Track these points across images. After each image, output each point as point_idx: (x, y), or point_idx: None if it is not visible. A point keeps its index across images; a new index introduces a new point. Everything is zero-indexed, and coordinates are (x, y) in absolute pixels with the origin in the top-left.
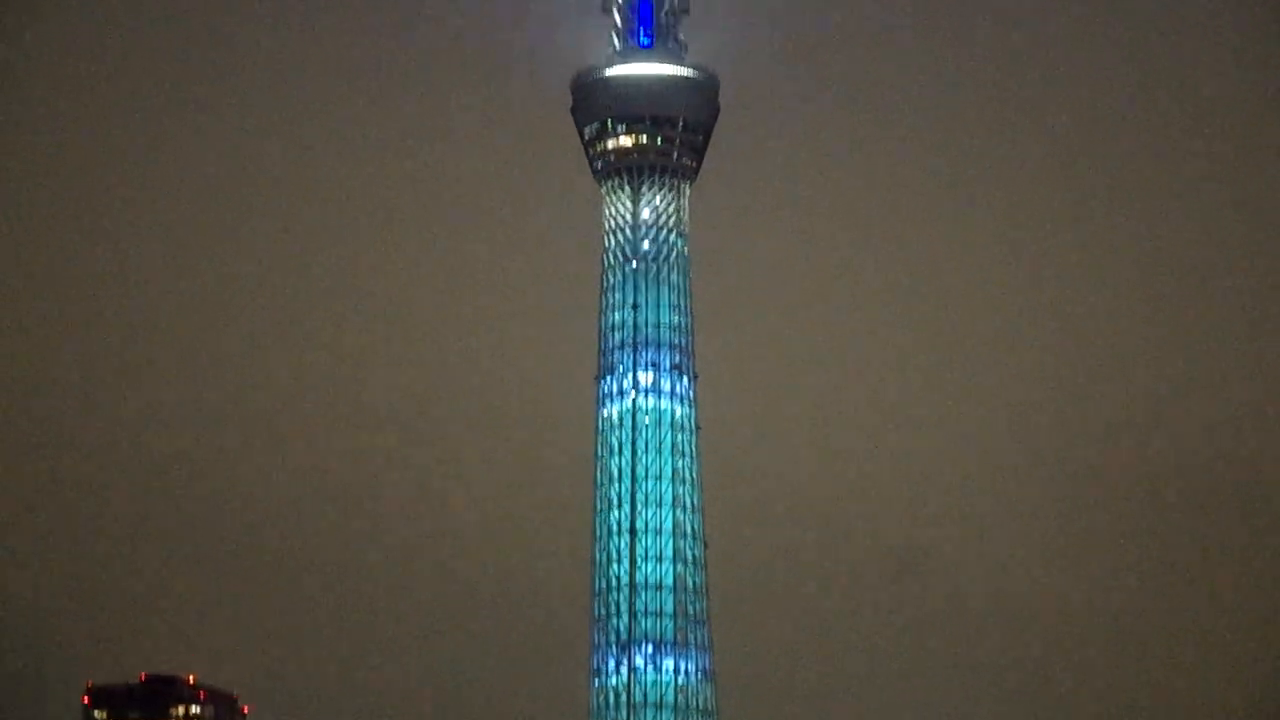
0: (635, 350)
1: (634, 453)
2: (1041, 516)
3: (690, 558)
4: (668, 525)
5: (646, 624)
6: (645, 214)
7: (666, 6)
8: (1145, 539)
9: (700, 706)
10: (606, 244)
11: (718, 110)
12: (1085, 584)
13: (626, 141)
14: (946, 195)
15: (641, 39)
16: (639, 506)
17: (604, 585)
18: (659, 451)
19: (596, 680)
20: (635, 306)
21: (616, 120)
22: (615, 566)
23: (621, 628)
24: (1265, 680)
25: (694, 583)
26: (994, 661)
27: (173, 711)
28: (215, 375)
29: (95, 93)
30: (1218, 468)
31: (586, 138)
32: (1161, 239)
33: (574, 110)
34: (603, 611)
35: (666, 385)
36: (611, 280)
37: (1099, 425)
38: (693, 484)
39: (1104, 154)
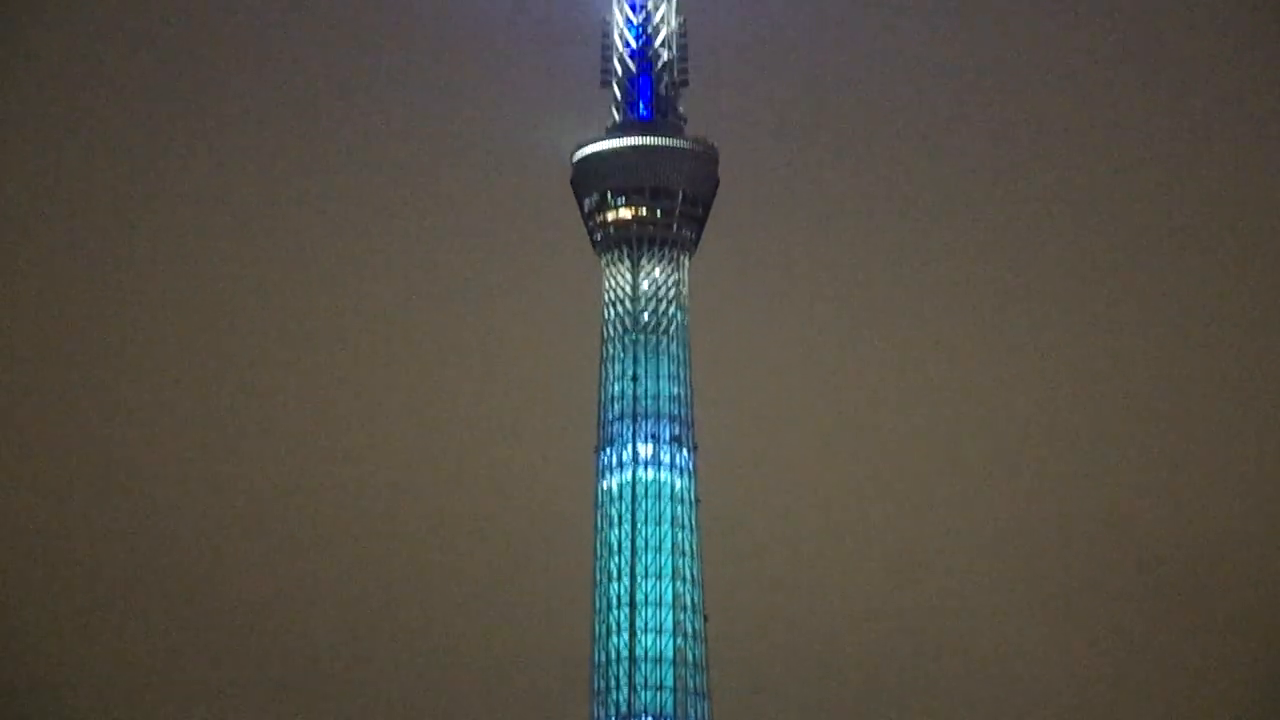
0: (635, 422)
1: (634, 525)
2: (1041, 602)
3: (690, 631)
4: (668, 598)
5: (646, 698)
6: (645, 285)
7: (666, 79)
8: (1149, 640)
9: None
10: (606, 315)
11: (717, 183)
12: (1085, 675)
13: (626, 214)
14: (949, 272)
15: (641, 111)
16: (639, 579)
17: (603, 658)
18: (659, 524)
19: None
20: (635, 378)
21: (616, 193)
22: (615, 639)
23: (621, 701)
24: None
25: (694, 656)
26: None
27: None
28: (211, 451)
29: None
30: (1215, 562)
31: (586, 210)
32: (1152, 348)
33: (573, 182)
34: (602, 685)
35: (666, 457)
36: (611, 352)
37: (1101, 511)
38: (693, 556)
39: (1105, 255)
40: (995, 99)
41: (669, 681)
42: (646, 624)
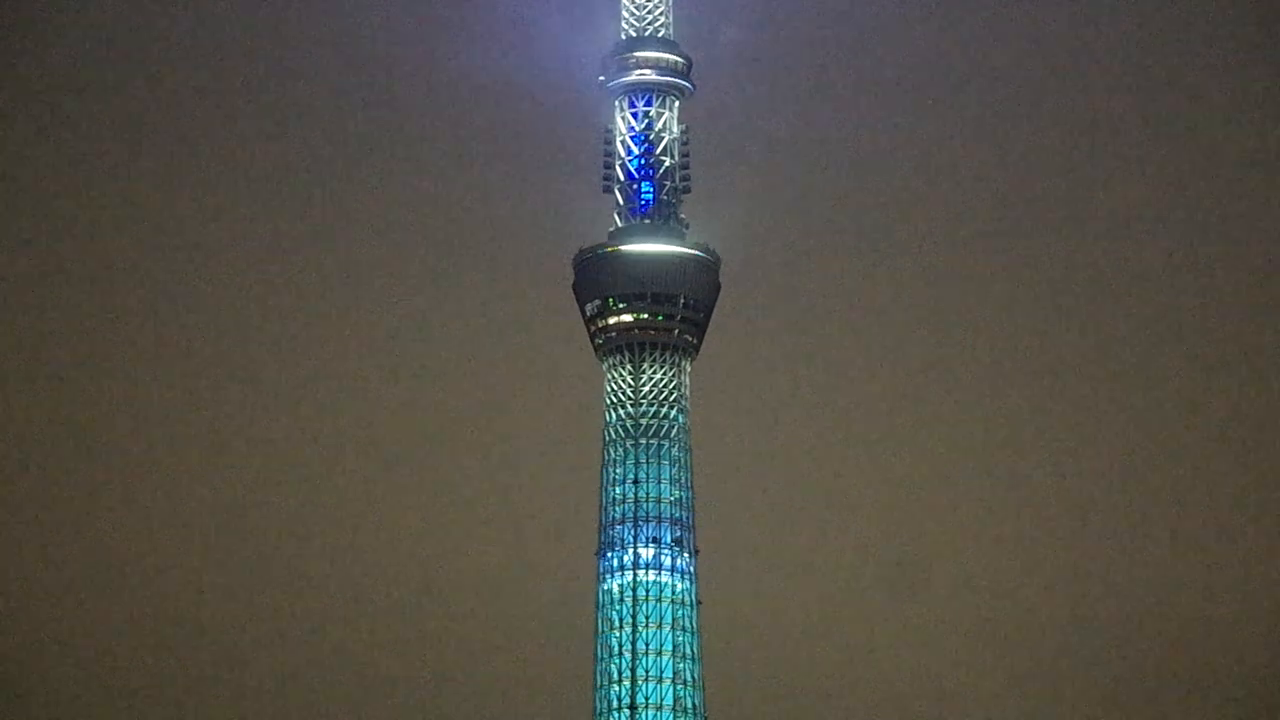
0: (636, 525)
1: (634, 628)
2: (1044, 699)
3: None
4: (668, 701)
5: None
6: (646, 389)
7: (668, 185)
8: None
9: None
10: (607, 419)
11: (719, 288)
12: None
13: (627, 318)
14: (945, 377)
15: (642, 217)
16: (639, 682)
17: None
18: (659, 627)
19: None
20: (636, 482)
21: (617, 298)
22: None
23: None
24: None
25: None
26: None
27: None
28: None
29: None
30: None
31: (588, 314)
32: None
33: (575, 287)
34: None
35: (667, 560)
36: (612, 455)
37: (1103, 604)
38: (694, 659)
39: (1103, 347)
40: (996, 197)
41: None
42: None
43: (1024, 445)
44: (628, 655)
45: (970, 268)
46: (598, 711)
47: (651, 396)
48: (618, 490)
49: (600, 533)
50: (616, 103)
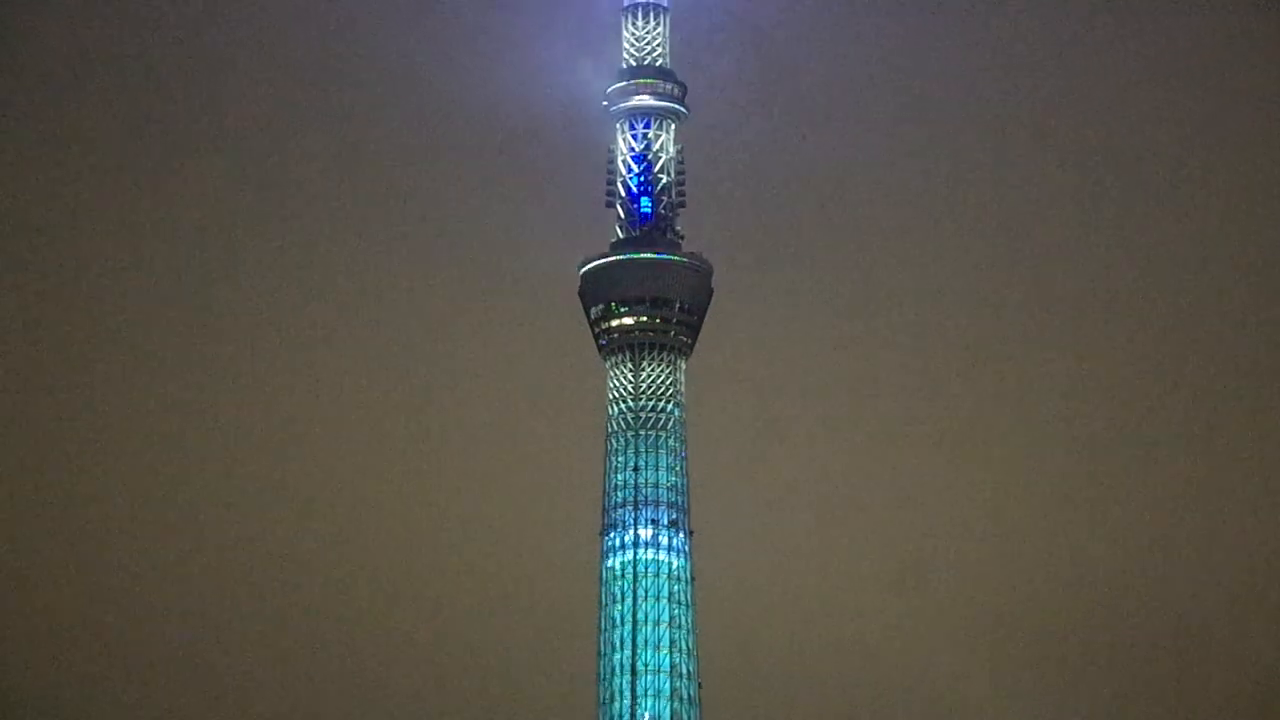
0: (636, 508)
1: (635, 601)
2: (1034, 681)
3: (686, 696)
4: (665, 666)
5: None
6: (645, 385)
7: (664, 200)
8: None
9: None
10: (610, 412)
11: (711, 293)
12: None
13: (628, 321)
14: (925, 368)
15: (642, 229)
16: (639, 649)
17: (609, 718)
18: (657, 600)
19: None
20: (636, 469)
21: (619, 302)
22: (617, 704)
23: None
24: None
25: (688, 716)
26: None
27: None
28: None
29: None
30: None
31: (592, 318)
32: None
33: (581, 293)
34: None
35: (664, 540)
36: (614, 445)
37: (1088, 594)
38: (688, 629)
39: (1105, 342)
40: (979, 209)
41: None
42: (646, 690)
43: (1014, 439)
44: (628, 625)
45: (962, 264)
46: (601, 675)
47: (650, 392)
48: (619, 477)
49: (603, 515)
50: (618, 125)
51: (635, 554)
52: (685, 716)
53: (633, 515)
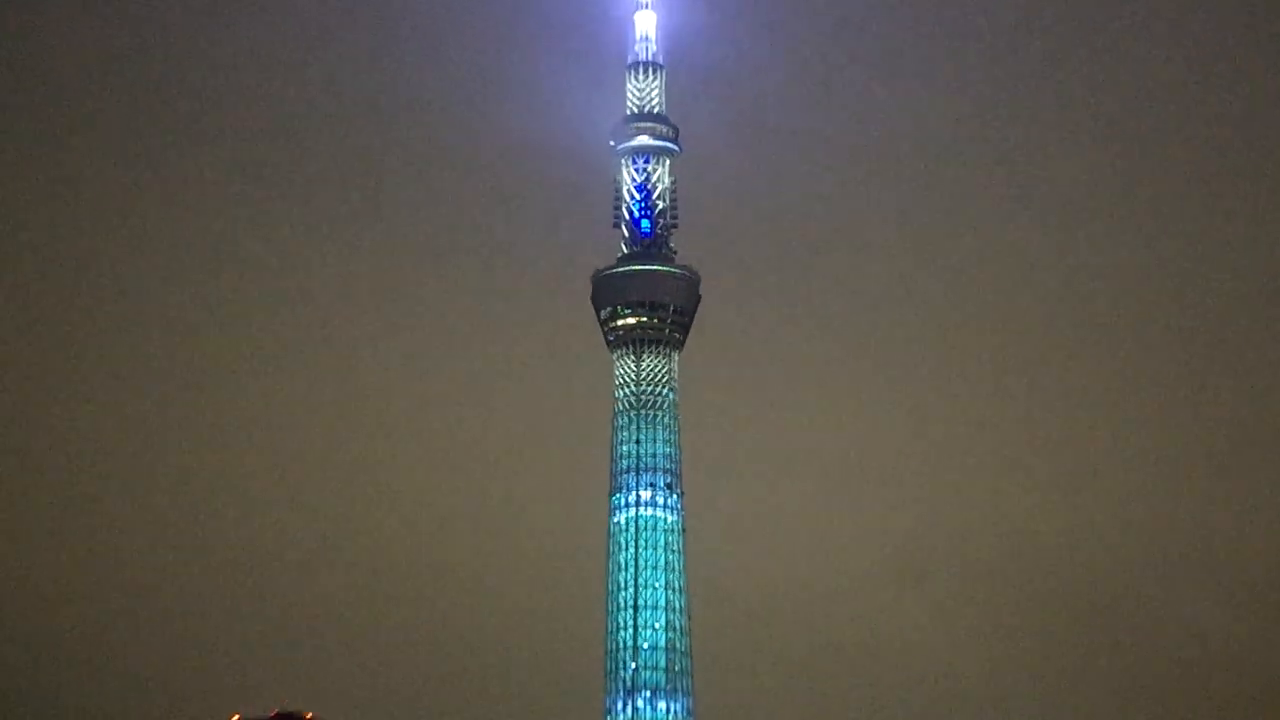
0: (638, 474)
1: (637, 549)
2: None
3: (678, 627)
4: (661, 603)
5: (646, 676)
6: (645, 373)
7: (661, 222)
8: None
9: None
10: (616, 396)
11: (699, 298)
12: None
13: (631, 321)
14: (884, 362)
15: (642, 245)
16: (640, 588)
17: (614, 647)
18: (655, 548)
19: (609, 717)
20: (637, 442)
21: (623, 306)
22: (622, 634)
23: (627, 679)
24: None
25: (681, 646)
26: None
27: None
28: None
29: None
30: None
31: (601, 318)
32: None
33: (592, 298)
34: (613, 667)
35: (661, 499)
36: (620, 423)
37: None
38: (679, 571)
39: (1105, 335)
40: (971, 184)
41: (662, 664)
42: (646, 621)
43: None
44: (631, 569)
45: (951, 254)
46: (610, 609)
47: (649, 379)
48: (624, 448)
49: (611, 480)
50: (623, 161)
51: (637, 511)
52: (677, 642)
53: (635, 479)
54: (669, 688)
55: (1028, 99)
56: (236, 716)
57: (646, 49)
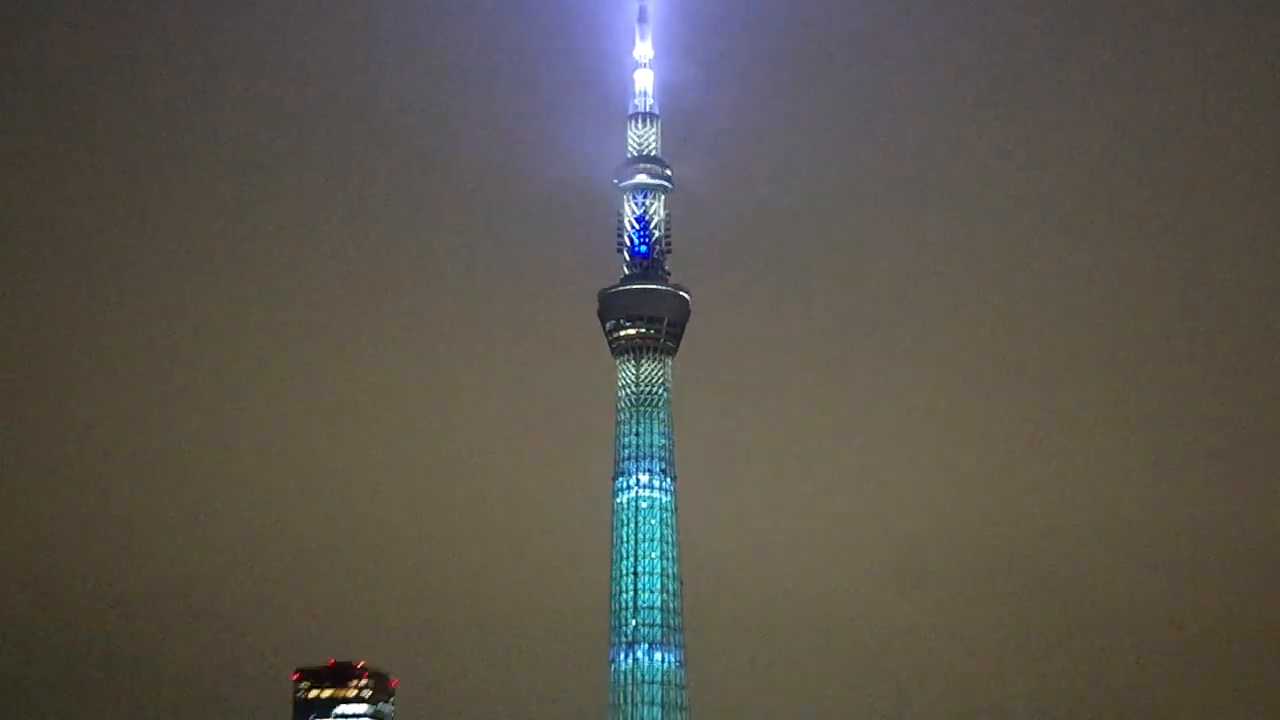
0: (637, 461)
1: (636, 524)
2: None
3: (671, 590)
4: (656, 569)
5: (644, 632)
6: (643, 376)
7: (658, 248)
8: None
9: (676, 682)
10: (618, 395)
11: (689, 312)
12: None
13: (631, 332)
14: (855, 370)
15: (640, 268)
16: (639, 558)
17: (617, 607)
18: (651, 524)
19: (613, 666)
20: (637, 434)
21: (625, 319)
22: (624, 595)
23: (628, 634)
24: None
25: (673, 605)
26: None
27: (351, 684)
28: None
29: None
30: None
31: (606, 329)
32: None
33: (599, 312)
34: (616, 623)
35: (657, 483)
36: (622, 418)
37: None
38: (673, 543)
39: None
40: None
41: (658, 621)
42: (643, 585)
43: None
44: (632, 541)
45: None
46: (613, 576)
47: (647, 381)
48: (625, 439)
49: (615, 466)
50: (624, 196)
51: (637, 492)
52: (670, 603)
53: (635, 466)
54: (663, 641)
55: (1011, 127)
56: (297, 675)
57: (644, 102)
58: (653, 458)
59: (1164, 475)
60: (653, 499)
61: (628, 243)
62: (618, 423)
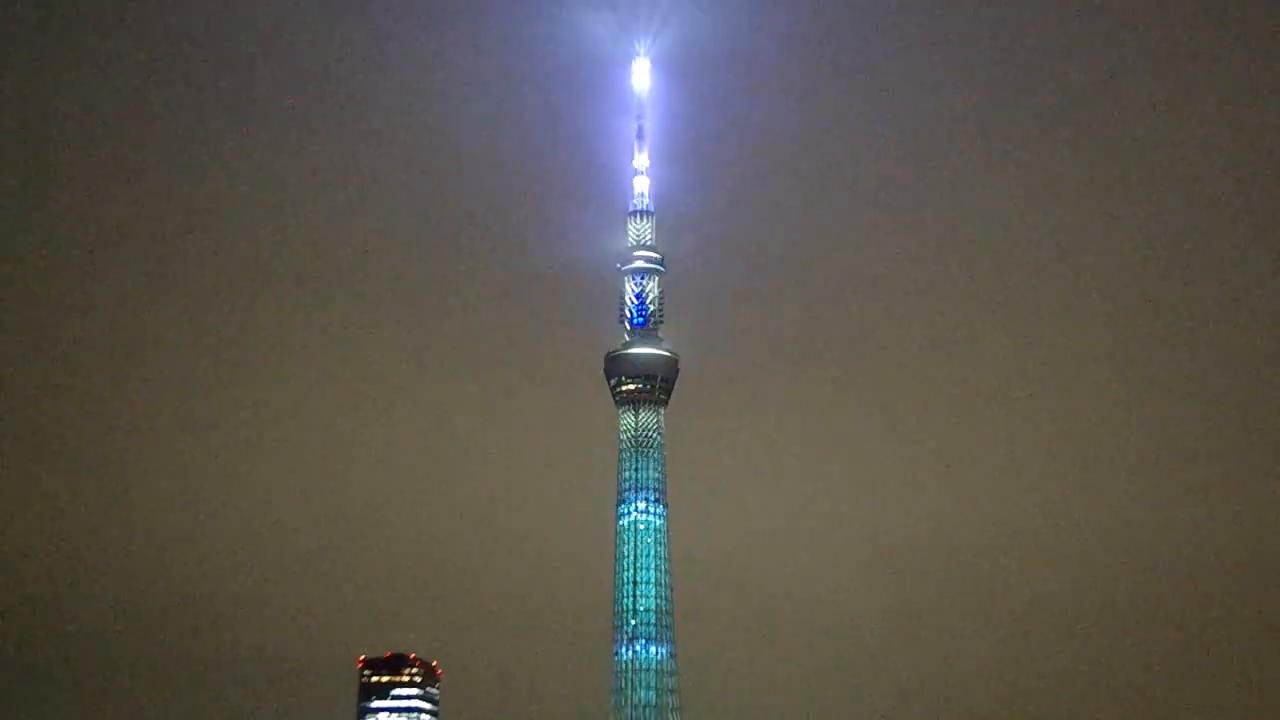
0: (636, 491)
1: (635, 543)
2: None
3: (664, 597)
4: (652, 580)
5: (641, 629)
6: (640, 423)
7: (653, 320)
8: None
9: (667, 670)
10: (621, 438)
11: (678, 371)
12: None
13: (631, 386)
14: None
15: (639, 335)
16: (638, 570)
17: (620, 609)
18: (647, 542)
19: (616, 658)
20: (636, 469)
21: (626, 377)
22: (625, 600)
23: (629, 632)
24: None
25: (665, 608)
26: None
27: (404, 671)
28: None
29: None
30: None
31: (611, 385)
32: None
33: (605, 371)
34: (619, 624)
35: (652, 509)
36: (624, 456)
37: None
38: (665, 558)
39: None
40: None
41: (653, 622)
42: (640, 592)
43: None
44: (631, 556)
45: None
46: (616, 584)
47: (643, 427)
48: (626, 474)
49: (618, 495)
50: (626, 277)
51: (635, 517)
52: (664, 608)
53: (634, 495)
54: (658, 638)
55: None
56: (361, 662)
57: (642, 201)
58: (648, 489)
59: (1163, 476)
60: (648, 522)
61: (628, 315)
62: (620, 460)
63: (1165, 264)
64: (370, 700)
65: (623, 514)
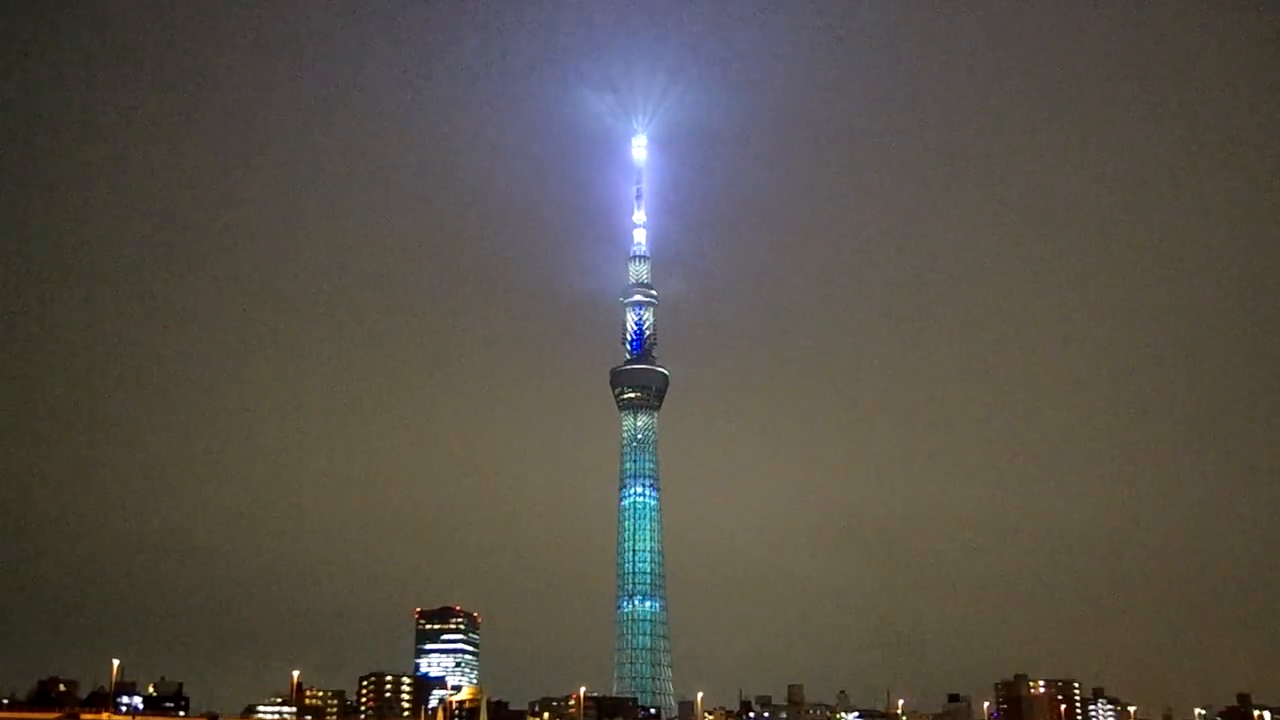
0: (635, 478)
1: (634, 519)
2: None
3: (657, 561)
4: (647, 548)
5: (639, 588)
6: (639, 425)
7: (648, 343)
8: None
9: (660, 620)
10: (623, 438)
11: (668, 383)
12: None
13: (631, 395)
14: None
15: (637, 355)
16: (636, 540)
17: (621, 571)
18: (644, 519)
19: (619, 610)
20: (634, 461)
21: (627, 388)
22: (626, 565)
23: (629, 588)
24: None
25: (659, 571)
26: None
27: (452, 620)
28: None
29: None
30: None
31: (615, 394)
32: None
33: (611, 383)
34: (621, 582)
35: (648, 492)
36: (625, 452)
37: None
38: (659, 532)
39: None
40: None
41: (648, 581)
42: (639, 558)
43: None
44: (631, 529)
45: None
46: (619, 553)
47: (641, 428)
48: (627, 464)
49: (620, 481)
50: (627, 309)
51: (635, 499)
52: (657, 570)
53: (633, 481)
54: (651, 593)
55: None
56: (417, 613)
57: (640, 248)
58: (645, 476)
59: (1136, 466)
60: (645, 503)
61: (629, 339)
62: (622, 454)
63: (1111, 261)
64: (424, 644)
65: (624, 496)
